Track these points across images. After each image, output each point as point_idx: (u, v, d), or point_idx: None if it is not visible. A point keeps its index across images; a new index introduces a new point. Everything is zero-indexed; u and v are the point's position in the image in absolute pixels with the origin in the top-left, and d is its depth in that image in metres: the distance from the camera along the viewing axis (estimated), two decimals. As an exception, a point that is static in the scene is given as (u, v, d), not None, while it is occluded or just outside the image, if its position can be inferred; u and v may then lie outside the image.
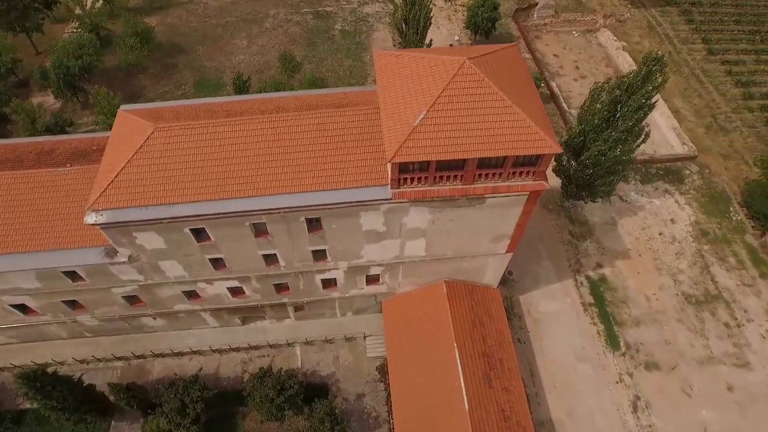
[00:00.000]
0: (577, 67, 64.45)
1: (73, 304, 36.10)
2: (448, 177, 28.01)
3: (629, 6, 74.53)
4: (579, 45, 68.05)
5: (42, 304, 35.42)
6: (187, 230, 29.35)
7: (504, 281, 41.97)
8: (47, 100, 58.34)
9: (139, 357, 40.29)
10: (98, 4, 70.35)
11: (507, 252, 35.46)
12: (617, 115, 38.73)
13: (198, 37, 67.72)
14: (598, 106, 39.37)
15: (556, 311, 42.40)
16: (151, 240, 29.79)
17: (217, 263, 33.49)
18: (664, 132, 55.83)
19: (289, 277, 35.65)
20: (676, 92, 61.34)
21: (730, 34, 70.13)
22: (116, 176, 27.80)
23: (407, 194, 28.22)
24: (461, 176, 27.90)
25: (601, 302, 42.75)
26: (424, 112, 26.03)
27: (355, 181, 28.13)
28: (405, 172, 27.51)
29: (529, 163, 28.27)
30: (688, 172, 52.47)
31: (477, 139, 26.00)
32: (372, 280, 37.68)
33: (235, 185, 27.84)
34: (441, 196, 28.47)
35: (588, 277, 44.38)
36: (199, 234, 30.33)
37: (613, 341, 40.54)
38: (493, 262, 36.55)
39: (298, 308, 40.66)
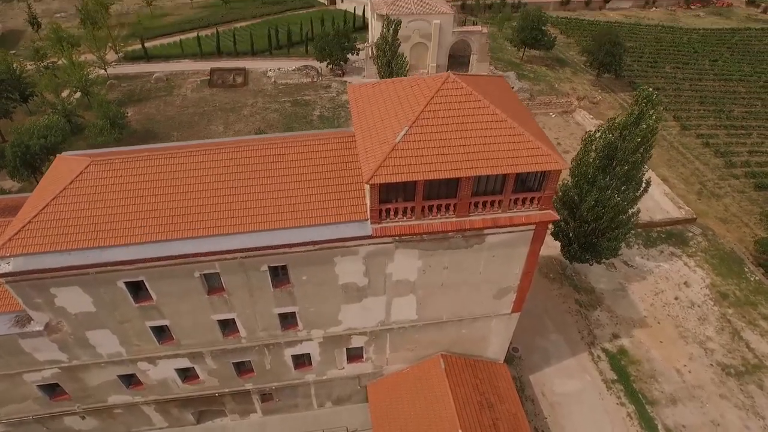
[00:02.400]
0: (559, 143, 63.74)
1: (-25, 400, 28.66)
2: (439, 208, 23.62)
3: (599, 90, 76.93)
4: (557, 124, 68.32)
5: (-66, 401, 27.98)
6: (121, 284, 23.68)
7: (509, 359, 35.72)
8: (4, 185, 54.31)
9: (58, 473, 31.65)
10: (76, 95, 69.55)
11: (513, 312, 29.94)
12: (613, 163, 35.94)
13: (174, 124, 66.25)
14: (593, 154, 36.70)
15: (575, 392, 35.65)
16: (75, 299, 23.88)
17: (162, 334, 27.21)
18: (657, 198, 53.37)
19: (252, 352, 29.16)
20: (660, 163, 60.32)
21: (697, 112, 72.74)
22: (35, 216, 22.76)
23: (391, 230, 23.50)
24: (454, 206, 23.55)
25: (626, 378, 36.29)
26: (406, 127, 22.41)
27: (328, 216, 23.46)
28: (387, 201, 23.11)
29: (532, 188, 24.29)
30: (690, 234, 49.07)
31: (470, 156, 22.13)
32: (354, 356, 31.23)
33: (182, 224, 22.88)
34: (432, 232, 23.80)
35: (605, 350, 38.32)
36: (138, 291, 24.63)
37: (648, 425, 33.47)
38: (497, 327, 30.76)
39: (265, 398, 33.30)
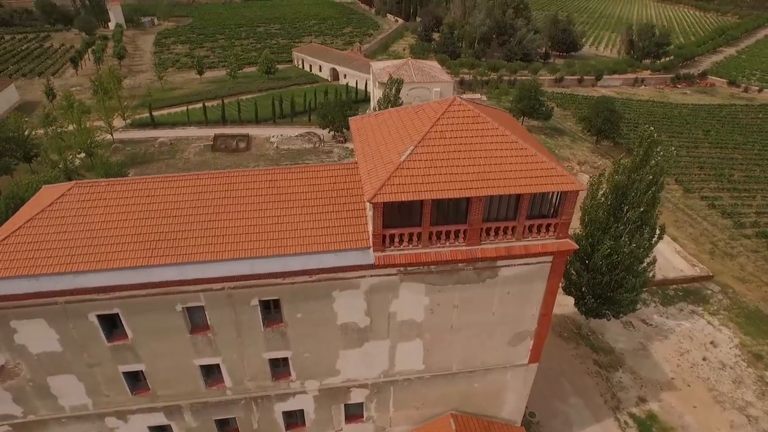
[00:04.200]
0: (563, 205, 62.62)
1: None
2: (448, 234, 21.68)
3: (599, 156, 77.35)
4: (560, 187, 67.63)
5: None
6: (93, 317, 21.13)
7: (526, 426, 31.87)
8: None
9: None
10: (80, 156, 69.62)
11: (530, 362, 26.91)
12: (625, 208, 34.40)
13: (172, 185, 65.51)
14: (602, 199, 35.27)
15: (602, 462, 31.44)
16: (38, 336, 21.19)
17: (136, 382, 24.14)
18: (668, 256, 51.19)
19: (238, 407, 25.77)
20: (668, 222, 58.59)
21: (698, 176, 72.64)
22: (5, 237, 20.73)
23: (395, 259, 21.38)
24: (464, 233, 21.62)
25: (659, 447, 32.20)
26: (412, 147, 21.09)
27: (327, 243, 21.42)
28: (391, 226, 21.19)
29: (547, 214, 22.52)
30: (709, 292, 46.36)
31: (480, 176, 20.60)
32: (353, 414, 27.71)
33: (167, 249, 20.78)
34: (440, 261, 21.66)
35: (633, 415, 34.37)
36: (112, 328, 22.01)
37: (690, 502, 29.05)
38: (513, 381, 27.53)
39: (249, 468, 29.15)
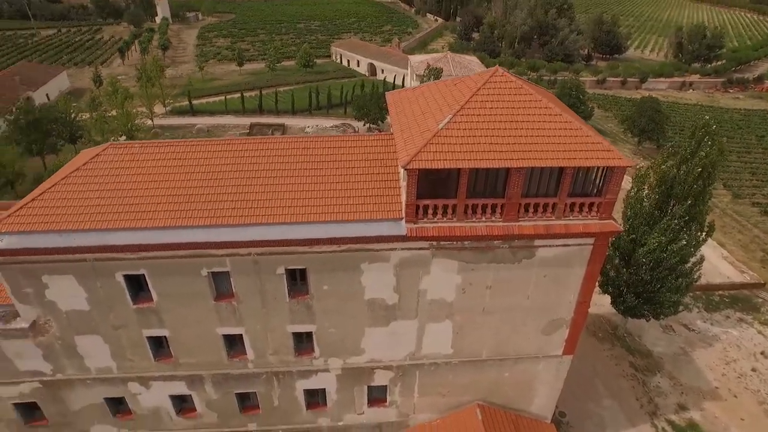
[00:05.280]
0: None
1: (-53, 415, 25.38)
2: (484, 209, 20.61)
3: (641, 158, 74.36)
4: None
5: None
6: (120, 277, 21.00)
7: (555, 424, 30.32)
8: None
9: None
10: (122, 138, 71.34)
11: (565, 354, 25.50)
12: (671, 202, 32.47)
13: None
14: (646, 191, 33.47)
15: (638, 468, 29.64)
16: (68, 293, 21.20)
17: (160, 348, 23.97)
18: (714, 262, 48.40)
19: (259, 381, 25.31)
20: (716, 228, 55.76)
21: (749, 182, 69.24)
22: (40, 194, 20.87)
23: (428, 231, 20.44)
24: (501, 207, 20.52)
25: (701, 457, 30.15)
26: (450, 115, 20.16)
27: (358, 213, 20.69)
28: (425, 196, 20.29)
29: (589, 193, 21.21)
30: (761, 300, 43.55)
31: (521, 147, 19.48)
32: (376, 397, 26.86)
33: (196, 211, 20.47)
34: (475, 236, 20.61)
35: (671, 422, 32.36)
36: (138, 290, 21.87)
37: None
38: (545, 372, 26.16)
39: (268, 445, 28.71)
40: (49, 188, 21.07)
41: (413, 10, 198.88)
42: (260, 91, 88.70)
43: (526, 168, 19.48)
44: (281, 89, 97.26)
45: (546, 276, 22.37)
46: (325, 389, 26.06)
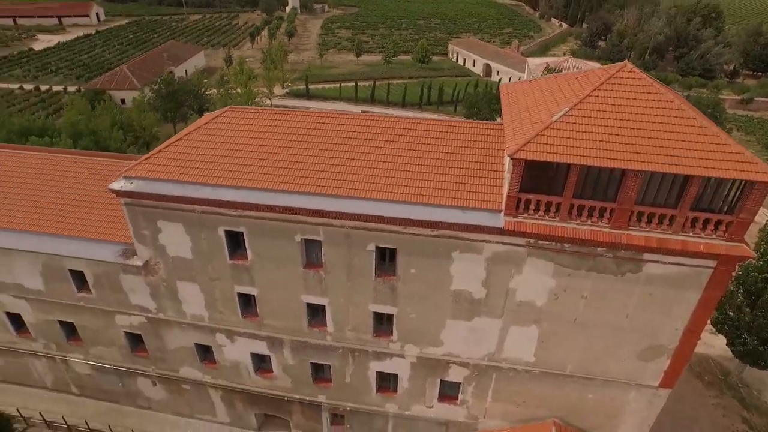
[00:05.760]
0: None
1: (70, 333, 28.76)
2: (591, 211, 19.06)
3: None
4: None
5: (38, 322, 28.55)
6: (221, 232, 22.37)
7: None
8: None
9: (118, 437, 30.18)
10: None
11: (662, 387, 22.93)
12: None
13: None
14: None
15: None
16: (176, 239, 23.04)
17: (248, 306, 25.22)
18: None
19: (335, 355, 25.75)
20: None
21: None
22: (165, 147, 22.85)
23: (527, 227, 19.34)
24: (611, 212, 18.82)
25: None
26: (566, 108, 18.83)
27: (456, 199, 20.13)
28: (528, 190, 19.19)
29: (719, 209, 18.75)
30: None
31: (643, 148, 17.66)
32: (448, 393, 26.17)
33: (299, 179, 21.16)
34: (576, 239, 19.13)
35: (784, 493, 28.00)
36: (235, 246, 23.14)
37: None
38: (636, 403, 23.75)
39: (336, 420, 29.19)
40: (173, 142, 22.98)
41: (537, 13, 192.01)
42: (374, 82, 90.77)
43: (646, 172, 17.63)
44: (394, 82, 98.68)
45: (652, 295, 20.20)
46: (397, 375, 25.86)
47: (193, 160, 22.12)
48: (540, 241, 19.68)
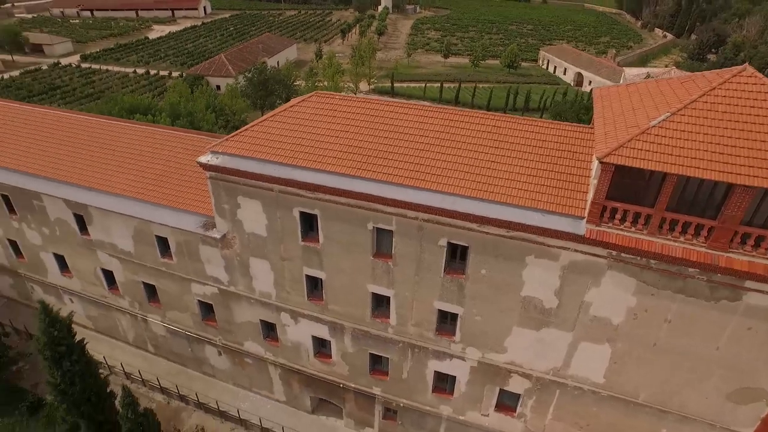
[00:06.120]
0: None
1: (151, 295, 30.81)
2: (686, 227, 17.42)
3: None
4: None
5: (126, 281, 30.86)
6: (296, 213, 22.86)
7: None
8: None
9: (182, 399, 31.86)
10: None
11: (752, 433, 20.60)
12: None
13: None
14: None
15: None
16: (253, 215, 23.88)
17: (314, 289, 25.67)
18: None
19: (394, 349, 25.56)
20: None
21: None
22: (251, 126, 23.75)
23: (610, 238, 18.05)
24: (709, 230, 17.09)
25: None
26: (668, 113, 17.33)
27: (537, 201, 19.21)
28: (614, 198, 17.90)
29: None
30: None
31: (759, 162, 15.83)
32: (506, 404, 25.18)
33: (373, 165, 21.16)
34: (666, 257, 17.57)
35: None
36: (308, 228, 23.58)
37: None
38: (718, 446, 21.52)
39: (388, 415, 29.03)
40: (259, 122, 23.83)
41: (639, 23, 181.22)
42: (459, 84, 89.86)
43: (760, 189, 15.82)
44: (480, 85, 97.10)
45: (751, 330, 18.12)
46: (455, 378, 25.22)
47: (276, 141, 22.80)
48: (623, 254, 18.30)
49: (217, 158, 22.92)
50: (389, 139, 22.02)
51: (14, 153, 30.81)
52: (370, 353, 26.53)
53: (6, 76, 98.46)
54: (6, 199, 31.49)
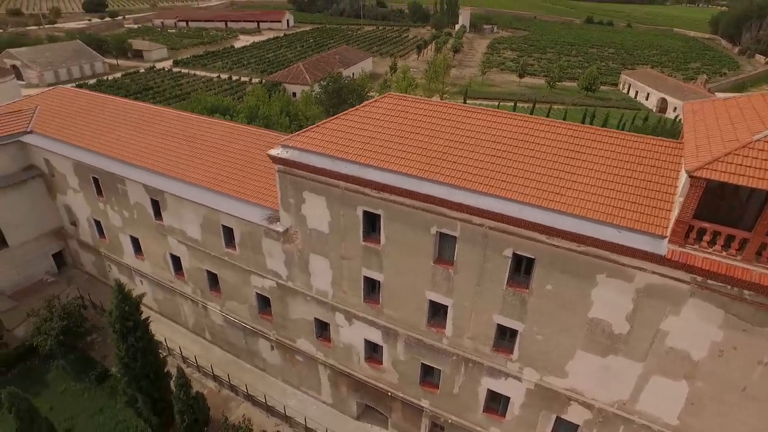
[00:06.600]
0: None
1: (213, 283, 31.77)
2: (791, 256, 15.51)
3: None
4: None
5: (191, 268, 32.07)
6: (360, 211, 22.74)
7: None
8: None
9: (232, 388, 32.41)
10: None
11: None
12: None
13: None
14: None
15: None
16: (316, 212, 24.02)
17: (371, 291, 25.34)
18: None
19: (447, 361, 24.62)
20: None
21: None
22: (322, 123, 24.04)
23: (695, 261, 16.41)
24: (821, 263, 15.10)
25: None
26: (776, 128, 15.61)
27: (613, 215, 17.89)
28: (702, 218, 16.30)
29: None
30: None
31: None
32: (561, 434, 23.50)
33: (442, 168, 20.65)
34: (763, 287, 15.71)
35: None
36: (370, 228, 23.36)
37: None
38: None
39: (435, 429, 27.93)
40: (331, 120, 24.06)
41: (737, 49, 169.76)
42: (533, 104, 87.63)
43: None
44: (555, 107, 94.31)
45: None
46: (509, 399, 23.88)
47: (346, 138, 22.90)
48: (710, 281, 16.56)
49: (287, 152, 23.32)
50: (460, 143, 21.50)
51: (108, 141, 33.14)
52: (421, 363, 25.73)
53: (110, 77, 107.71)
54: (96, 181, 33.84)
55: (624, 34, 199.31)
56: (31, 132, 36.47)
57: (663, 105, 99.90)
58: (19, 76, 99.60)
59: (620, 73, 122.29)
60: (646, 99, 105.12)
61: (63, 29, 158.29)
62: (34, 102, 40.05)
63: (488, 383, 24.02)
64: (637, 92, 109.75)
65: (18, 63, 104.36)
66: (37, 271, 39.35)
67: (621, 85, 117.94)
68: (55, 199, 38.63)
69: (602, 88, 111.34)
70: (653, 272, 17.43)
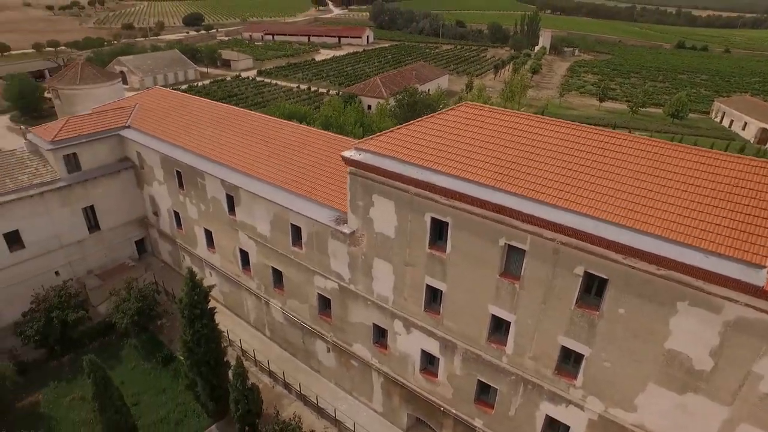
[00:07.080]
0: None
1: (277, 280, 32.64)
2: None
3: None
4: None
5: (258, 263, 33.17)
6: (428, 218, 22.53)
7: None
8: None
9: (286, 386, 32.88)
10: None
11: None
12: None
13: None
14: None
15: None
16: (384, 216, 24.08)
17: (433, 300, 24.93)
18: None
19: (506, 380, 23.64)
20: None
21: None
22: (397, 129, 24.21)
23: (798, 297, 14.74)
24: None
25: None
26: None
27: (701, 240, 16.52)
28: (814, 249, 14.64)
29: None
30: None
31: None
32: (626, 474, 21.70)
33: (514, 179, 20.09)
34: None
35: None
36: (437, 236, 23.05)
37: None
38: None
39: (487, 452, 26.83)
40: (405, 125, 24.18)
41: None
42: (614, 129, 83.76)
43: None
44: (638, 133, 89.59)
45: None
46: (569, 428, 22.47)
47: (419, 144, 22.89)
48: (817, 320, 14.81)
49: (360, 154, 23.65)
50: (535, 154, 20.87)
51: (193, 137, 35.29)
52: (478, 380, 24.87)
53: (200, 83, 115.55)
54: (179, 174, 36.04)
55: (720, 60, 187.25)
56: (128, 127, 39.61)
57: (764, 136, 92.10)
58: (125, 81, 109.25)
59: (713, 101, 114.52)
60: (743, 129, 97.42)
61: (164, 40, 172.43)
62: (135, 100, 43.59)
63: (547, 408, 22.77)
64: (732, 121, 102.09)
65: (125, 69, 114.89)
66: (121, 255, 42.32)
67: (713, 113, 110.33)
68: (142, 190, 41.55)
69: (691, 115, 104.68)
70: (747, 305, 15.85)
